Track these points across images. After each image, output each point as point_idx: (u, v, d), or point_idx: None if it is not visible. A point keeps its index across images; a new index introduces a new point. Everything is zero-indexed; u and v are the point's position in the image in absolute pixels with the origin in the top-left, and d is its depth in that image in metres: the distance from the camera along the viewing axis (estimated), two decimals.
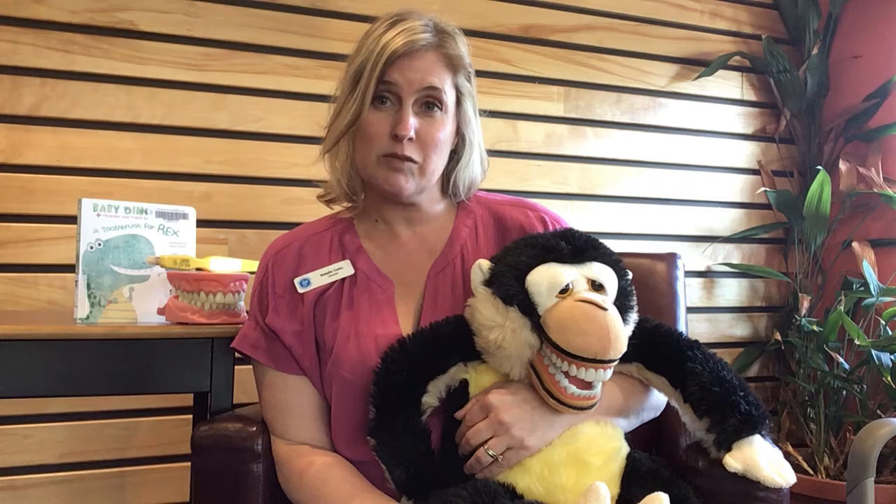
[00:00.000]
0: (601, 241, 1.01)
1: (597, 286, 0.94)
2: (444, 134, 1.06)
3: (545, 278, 0.92)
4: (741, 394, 0.95)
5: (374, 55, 1.02)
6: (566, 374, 0.90)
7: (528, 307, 0.91)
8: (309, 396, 1.08)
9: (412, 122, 1.02)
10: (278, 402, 1.08)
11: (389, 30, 1.03)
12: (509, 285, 0.93)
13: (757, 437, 0.94)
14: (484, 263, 0.98)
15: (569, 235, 0.98)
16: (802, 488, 2.05)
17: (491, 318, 0.93)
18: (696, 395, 0.96)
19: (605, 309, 0.89)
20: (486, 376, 0.99)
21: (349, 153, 1.08)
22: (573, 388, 0.90)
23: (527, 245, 0.97)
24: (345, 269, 1.09)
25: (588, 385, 0.91)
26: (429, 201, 1.12)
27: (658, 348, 1.01)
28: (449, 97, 1.06)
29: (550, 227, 1.11)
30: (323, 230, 1.13)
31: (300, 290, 1.08)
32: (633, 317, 0.99)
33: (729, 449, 0.94)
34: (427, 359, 0.97)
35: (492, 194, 1.19)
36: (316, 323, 1.08)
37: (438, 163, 1.07)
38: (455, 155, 1.12)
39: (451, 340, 0.97)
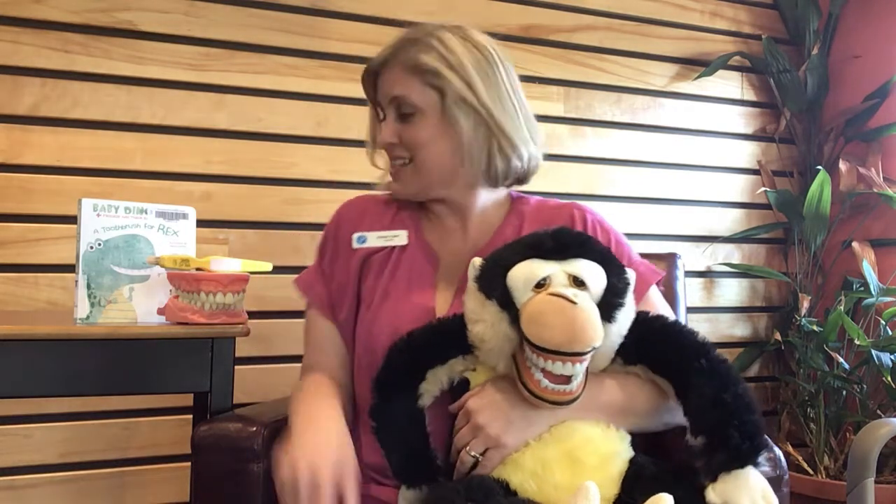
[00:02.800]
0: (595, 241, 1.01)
1: (578, 282, 0.93)
2: (427, 134, 1.12)
3: (523, 273, 0.93)
4: (736, 422, 0.90)
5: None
6: (540, 367, 0.90)
7: (506, 301, 0.93)
8: (338, 345, 1.17)
9: (388, 130, 1.13)
10: (315, 339, 1.18)
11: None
12: (491, 279, 0.95)
13: (743, 472, 0.89)
14: (476, 260, 1.00)
15: (559, 233, 0.98)
16: (802, 488, 2.05)
17: (475, 311, 0.96)
18: (695, 415, 0.94)
19: (574, 303, 0.88)
20: (483, 373, 1.00)
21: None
22: (546, 382, 0.90)
23: (517, 242, 1.00)
24: (400, 237, 1.17)
25: (562, 379, 0.91)
26: (463, 195, 1.17)
27: (664, 353, 0.99)
28: (423, 99, 1.11)
29: (589, 227, 1.15)
30: (391, 201, 1.23)
31: (356, 245, 1.17)
32: (623, 315, 0.96)
33: (715, 479, 0.90)
34: (427, 347, 1.00)
35: (547, 199, 1.23)
36: (361, 279, 1.16)
37: (432, 160, 1.13)
38: (486, 145, 1.14)
39: (453, 333, 0.99)
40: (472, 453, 0.95)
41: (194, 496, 1.07)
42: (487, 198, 1.19)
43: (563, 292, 0.89)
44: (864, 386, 2.09)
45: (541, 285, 0.92)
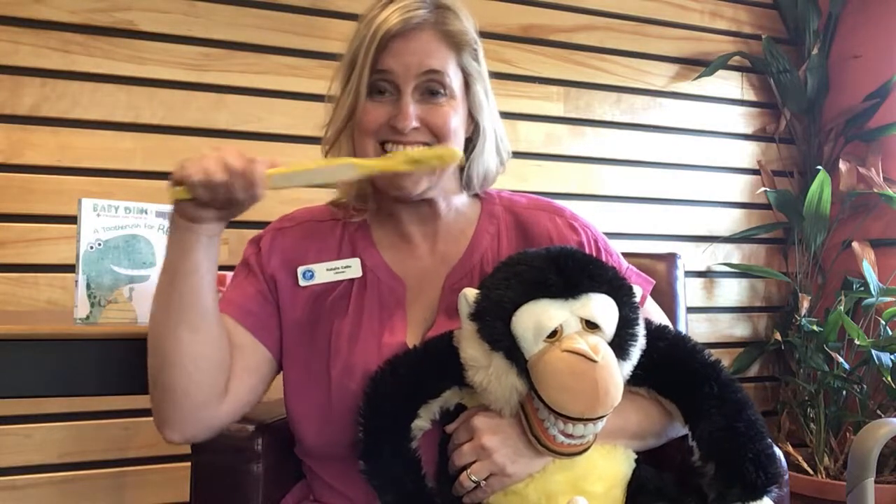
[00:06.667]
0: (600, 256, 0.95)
1: (591, 325, 0.85)
2: (455, 122, 0.96)
3: (531, 321, 0.84)
4: (750, 455, 0.87)
5: (366, 40, 0.93)
6: (560, 429, 0.84)
7: (513, 352, 0.84)
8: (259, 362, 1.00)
9: (412, 111, 0.93)
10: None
11: (383, 10, 0.95)
12: (494, 327, 0.85)
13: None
14: (469, 294, 0.88)
15: (562, 263, 0.87)
16: (802, 488, 2.05)
17: (476, 358, 0.87)
18: (706, 443, 0.90)
19: (594, 361, 0.81)
20: (479, 398, 0.92)
21: (351, 152, 0.99)
22: (562, 437, 0.85)
23: (515, 275, 0.87)
24: (353, 268, 1.00)
25: (580, 436, 0.85)
26: (444, 197, 1.02)
27: (671, 376, 0.94)
28: (454, 81, 0.96)
29: (582, 235, 1.03)
30: (332, 220, 1.05)
31: (302, 282, 0.99)
32: (637, 347, 0.90)
33: None
34: (419, 383, 0.91)
35: (518, 195, 1.11)
36: (319, 320, 0.99)
37: None
38: (469, 144, 1.02)
39: (446, 364, 0.90)
40: (474, 478, 0.87)
41: (194, 496, 1.07)
42: (460, 200, 1.05)
43: (580, 349, 0.81)
44: (864, 386, 2.09)
45: (553, 335, 0.84)
